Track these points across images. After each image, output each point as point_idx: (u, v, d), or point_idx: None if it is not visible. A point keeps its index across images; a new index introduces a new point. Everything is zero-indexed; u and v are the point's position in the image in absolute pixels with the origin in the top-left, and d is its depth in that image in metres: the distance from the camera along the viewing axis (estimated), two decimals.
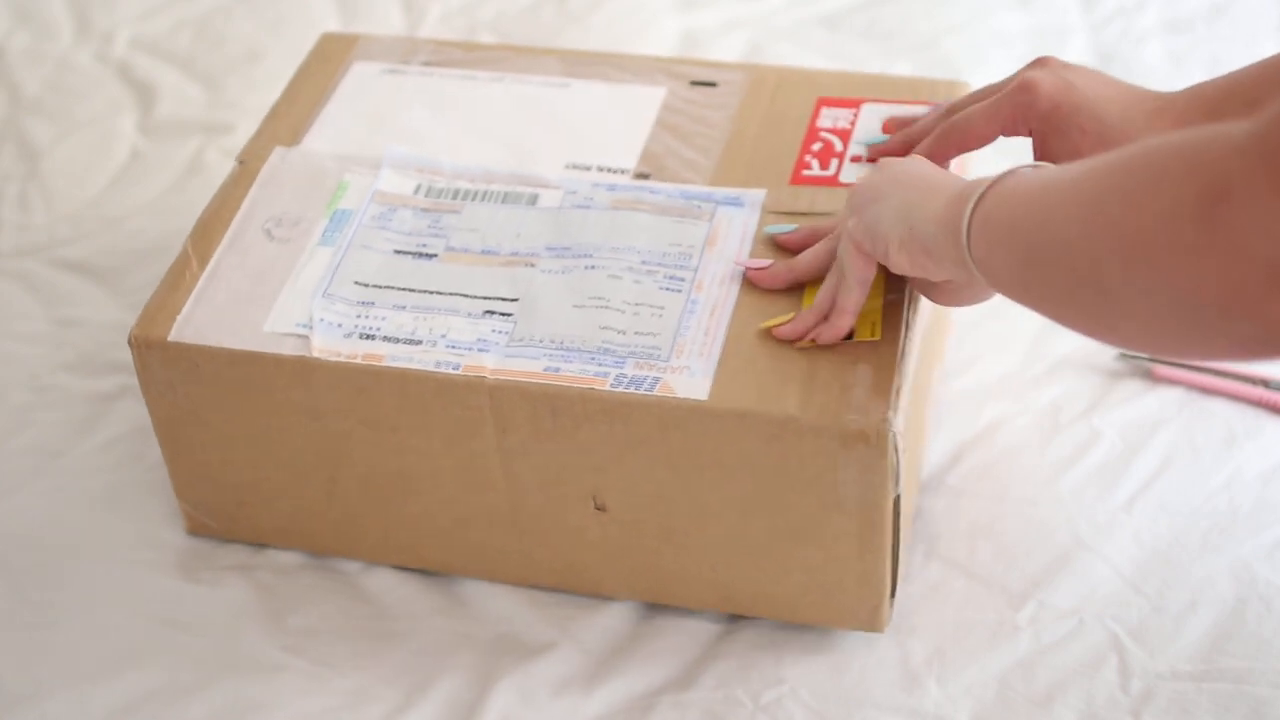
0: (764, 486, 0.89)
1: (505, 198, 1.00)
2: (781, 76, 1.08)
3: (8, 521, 1.04)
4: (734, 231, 0.96)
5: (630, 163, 1.02)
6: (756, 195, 0.99)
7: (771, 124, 1.04)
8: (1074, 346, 1.11)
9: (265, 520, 1.01)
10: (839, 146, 1.02)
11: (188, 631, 0.98)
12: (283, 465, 0.97)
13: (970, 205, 0.79)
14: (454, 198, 1.00)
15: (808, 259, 0.93)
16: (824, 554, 0.91)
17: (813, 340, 0.90)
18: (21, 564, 1.02)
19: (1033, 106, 0.90)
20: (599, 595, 0.98)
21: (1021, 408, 1.08)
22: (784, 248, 0.95)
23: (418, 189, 1.01)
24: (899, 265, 0.86)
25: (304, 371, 0.92)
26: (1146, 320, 0.68)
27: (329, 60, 1.12)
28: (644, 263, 0.95)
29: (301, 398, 0.93)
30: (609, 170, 1.02)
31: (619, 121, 1.05)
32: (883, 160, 0.93)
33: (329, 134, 1.06)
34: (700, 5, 1.46)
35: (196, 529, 1.03)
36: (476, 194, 1.00)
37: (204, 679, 0.95)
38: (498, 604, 0.99)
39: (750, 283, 0.94)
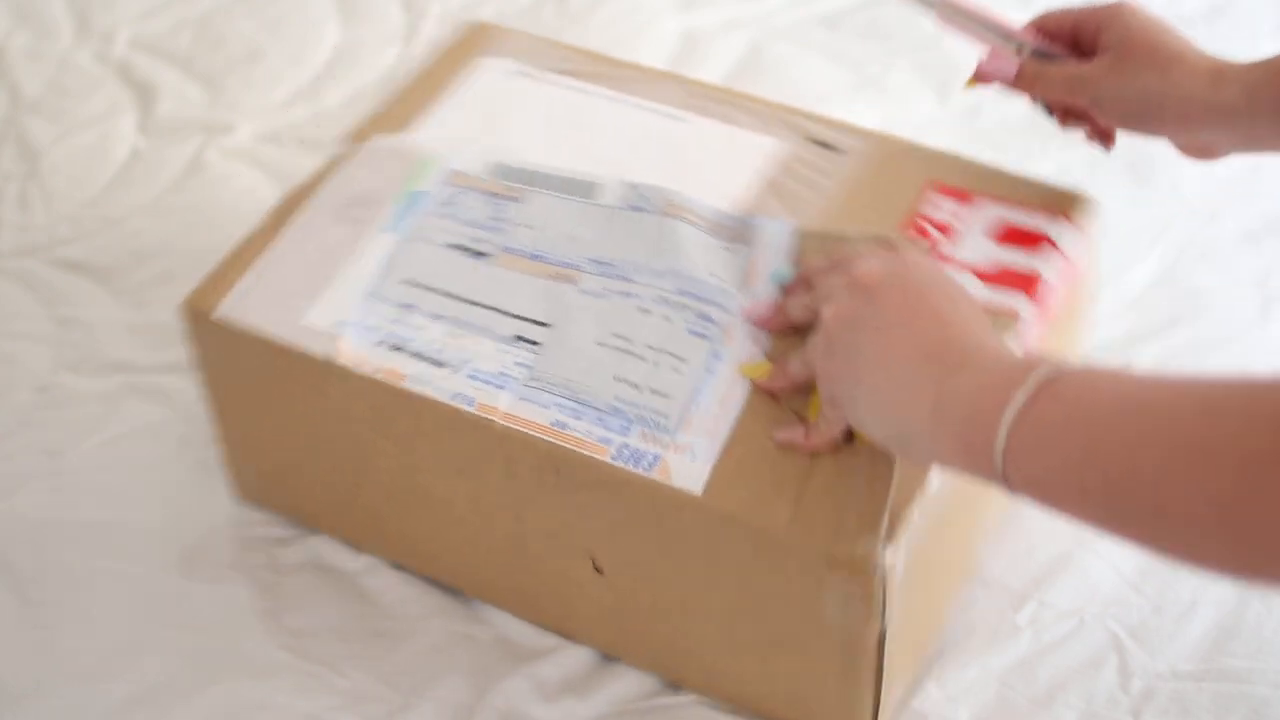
0: (749, 590, 0.85)
1: (566, 185, 0.97)
2: (901, 150, 1.01)
3: (8, 521, 1.04)
4: (768, 265, 0.92)
5: None
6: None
7: (876, 200, 0.98)
8: None
9: (303, 500, 1.01)
10: (935, 238, 0.96)
11: (187, 631, 0.98)
12: (314, 454, 0.97)
13: (1002, 434, 0.71)
14: (523, 181, 0.98)
15: (795, 308, 0.89)
16: (806, 666, 0.87)
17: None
18: (21, 564, 1.02)
19: None
20: (592, 648, 0.96)
21: None
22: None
23: (491, 167, 0.99)
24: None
25: (328, 376, 0.92)
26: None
27: (462, 51, 1.10)
28: (680, 292, 0.91)
29: (327, 400, 0.93)
30: None
31: (724, 167, 1.01)
32: (837, 319, 0.82)
33: (438, 127, 1.05)
34: (700, 5, 1.46)
35: (245, 496, 1.04)
36: (542, 179, 0.98)
37: (203, 678, 0.95)
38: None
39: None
